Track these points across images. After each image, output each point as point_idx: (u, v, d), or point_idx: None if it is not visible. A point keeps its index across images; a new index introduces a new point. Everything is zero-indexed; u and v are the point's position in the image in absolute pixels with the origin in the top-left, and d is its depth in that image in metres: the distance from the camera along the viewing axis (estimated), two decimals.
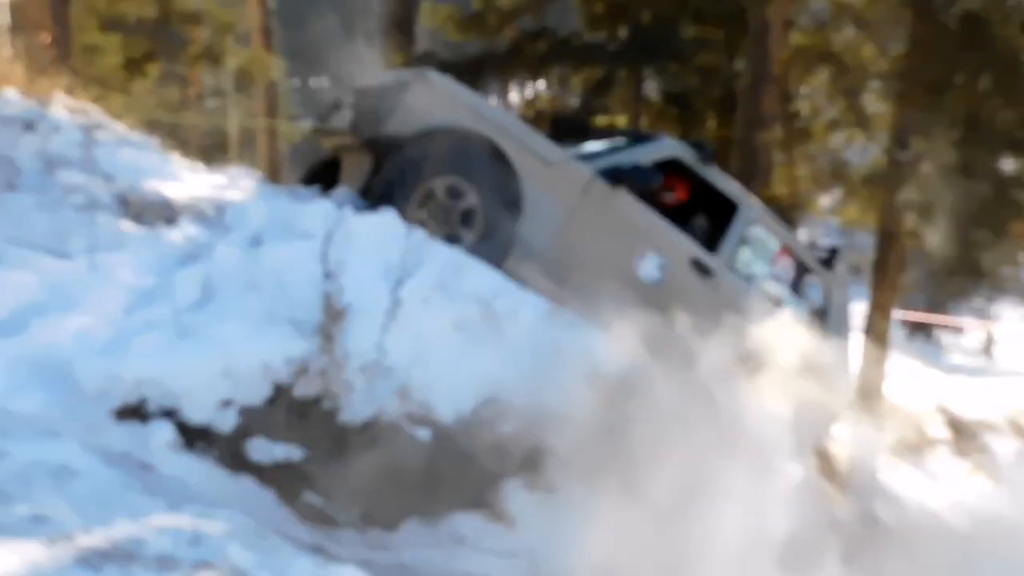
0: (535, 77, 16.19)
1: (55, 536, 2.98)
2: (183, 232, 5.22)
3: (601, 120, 13.65)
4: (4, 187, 5.16)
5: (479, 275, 5.33)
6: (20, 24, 10.42)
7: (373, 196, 5.60)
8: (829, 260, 7.24)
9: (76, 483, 3.55)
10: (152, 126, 7.93)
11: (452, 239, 5.61)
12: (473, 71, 12.80)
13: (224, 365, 4.44)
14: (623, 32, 13.24)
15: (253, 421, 4.45)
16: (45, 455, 3.68)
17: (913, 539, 8.03)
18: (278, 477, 4.42)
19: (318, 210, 5.25)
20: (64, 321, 4.45)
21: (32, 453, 3.66)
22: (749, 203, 6.66)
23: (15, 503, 3.23)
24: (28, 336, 4.37)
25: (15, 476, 3.44)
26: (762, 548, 6.00)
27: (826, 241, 15.36)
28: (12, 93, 6.03)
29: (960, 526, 8.99)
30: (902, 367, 12.01)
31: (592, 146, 6.91)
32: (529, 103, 17.94)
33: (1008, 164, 10.35)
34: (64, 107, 6.04)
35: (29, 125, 5.59)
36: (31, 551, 2.82)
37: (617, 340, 5.69)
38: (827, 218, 16.37)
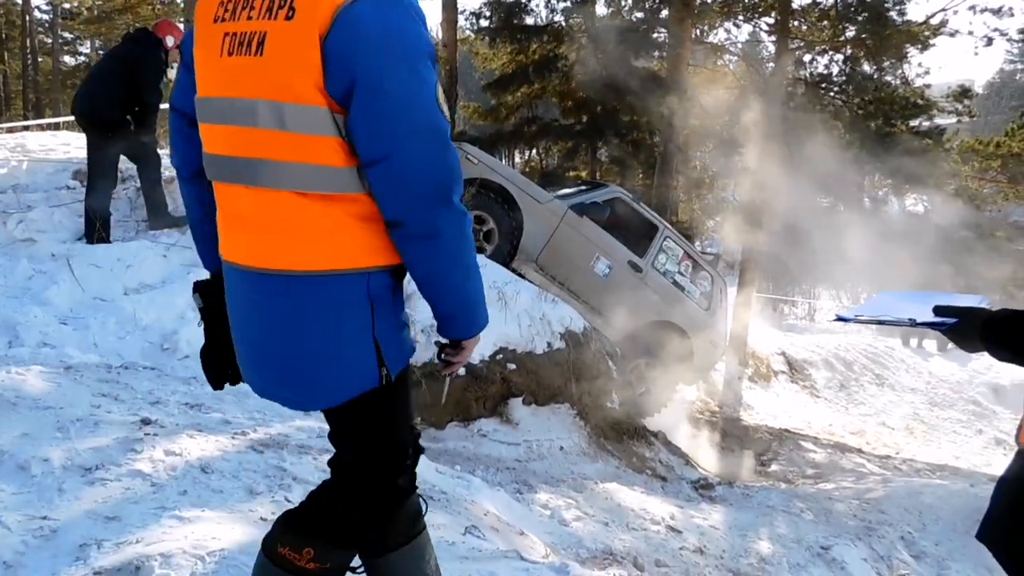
0: (530, 147, 16.16)
1: (236, 432, 3.01)
2: None
3: (571, 174, 13.62)
4: None
5: (495, 271, 5.32)
6: None
7: None
8: (713, 262, 7.25)
9: (248, 400, 3.57)
10: None
11: (479, 250, 5.63)
12: (491, 143, 12.81)
13: None
14: (585, 119, 13.21)
15: None
16: None
17: (761, 432, 8.05)
18: None
19: None
20: None
21: None
22: (664, 226, 6.65)
23: (212, 412, 3.26)
24: None
25: (212, 396, 3.47)
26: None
27: (711, 250, 15.30)
28: None
29: (792, 425, 9.01)
30: (758, 325, 11.99)
31: (565, 190, 6.90)
32: (526, 163, 17.90)
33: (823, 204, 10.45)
34: None
35: None
36: (222, 442, 2.84)
37: (578, 311, 5.70)
38: (712, 235, 16.36)
